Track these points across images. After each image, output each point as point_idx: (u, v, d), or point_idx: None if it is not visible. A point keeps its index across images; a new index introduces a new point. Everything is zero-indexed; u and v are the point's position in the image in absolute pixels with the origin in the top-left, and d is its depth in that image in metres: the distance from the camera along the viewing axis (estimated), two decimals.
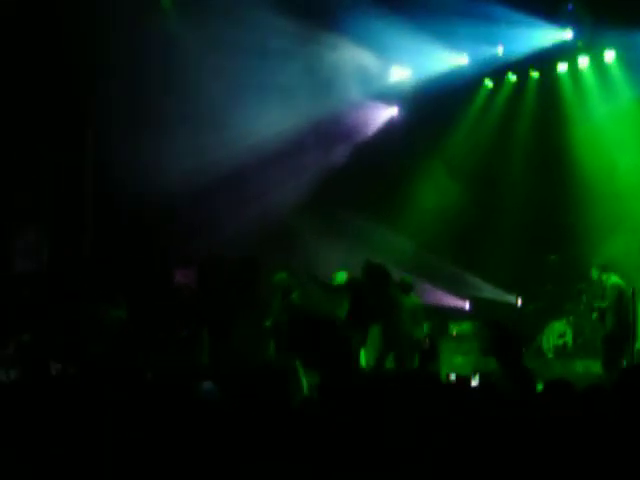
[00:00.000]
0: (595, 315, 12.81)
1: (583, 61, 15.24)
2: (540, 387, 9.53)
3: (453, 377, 10.33)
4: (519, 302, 15.50)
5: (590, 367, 12.99)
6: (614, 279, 12.60)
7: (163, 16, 15.20)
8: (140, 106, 14.91)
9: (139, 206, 14.78)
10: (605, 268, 12.87)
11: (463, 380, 8.09)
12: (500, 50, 15.41)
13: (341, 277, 13.92)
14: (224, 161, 15.08)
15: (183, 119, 15.19)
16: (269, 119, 15.50)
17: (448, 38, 15.15)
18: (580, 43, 14.85)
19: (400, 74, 16.77)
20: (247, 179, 15.74)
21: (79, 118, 15.62)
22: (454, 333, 15.63)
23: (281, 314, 13.56)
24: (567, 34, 14.67)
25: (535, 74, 15.90)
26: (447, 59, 15.92)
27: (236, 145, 15.16)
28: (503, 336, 8.00)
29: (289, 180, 16.08)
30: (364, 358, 12.89)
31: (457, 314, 16.34)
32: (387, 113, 17.53)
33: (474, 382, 8.76)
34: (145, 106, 14.88)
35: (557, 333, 14.59)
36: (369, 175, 16.75)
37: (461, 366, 14.71)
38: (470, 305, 16.58)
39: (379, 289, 12.62)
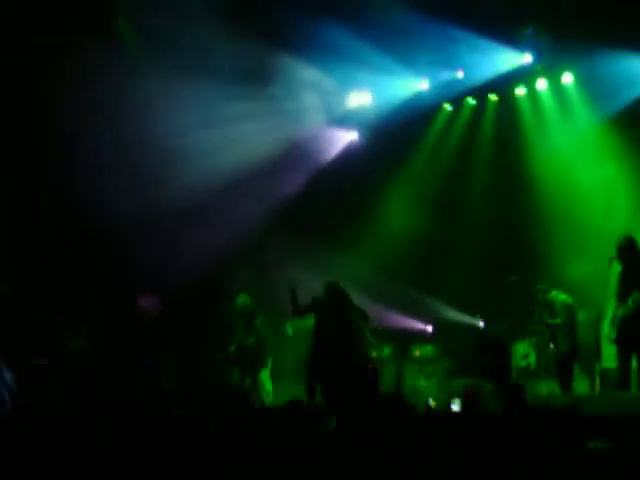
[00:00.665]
0: (549, 334, 12.99)
1: (541, 84, 15.41)
2: None
3: (431, 402, 10.34)
4: (481, 324, 15.52)
5: (554, 388, 13.05)
6: (562, 297, 12.81)
7: (121, 46, 15.12)
8: (101, 135, 14.84)
9: (102, 232, 14.66)
10: (547, 290, 13.04)
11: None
12: (460, 74, 15.53)
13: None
14: (187, 189, 15.03)
15: (143, 147, 15.10)
16: (230, 147, 15.48)
17: (408, 63, 15.24)
18: (539, 67, 15.02)
19: (360, 99, 16.82)
20: (210, 207, 15.68)
21: (35, 150, 15.41)
22: (417, 356, 15.63)
23: (245, 339, 13.55)
24: (526, 58, 14.82)
25: (494, 97, 16.04)
26: (407, 84, 16.00)
27: (199, 173, 15.11)
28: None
29: (252, 207, 16.04)
30: None
31: (419, 337, 16.38)
32: (347, 138, 17.58)
33: (455, 407, 8.75)
34: (105, 134, 14.82)
35: (520, 355, 14.64)
36: (330, 200, 16.78)
37: (424, 389, 14.75)
38: (432, 328, 16.61)
39: (341, 310, 12.57)
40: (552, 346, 12.98)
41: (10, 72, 14.50)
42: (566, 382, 12.48)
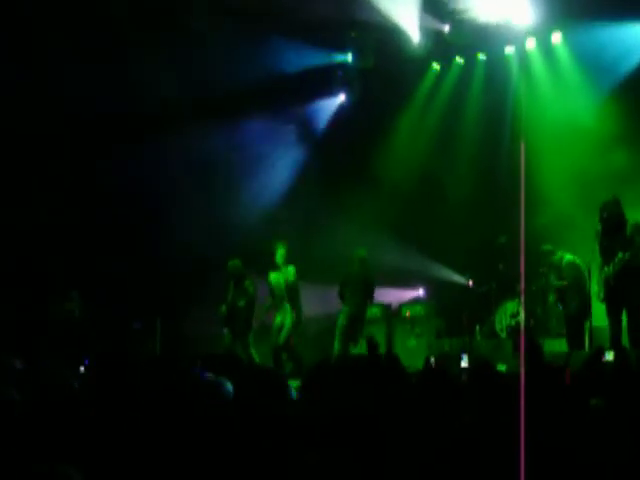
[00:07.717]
0: (553, 296, 12.95)
1: (530, 43, 15.36)
2: (502, 367, 9.60)
3: (432, 361, 10.36)
4: (471, 284, 15.54)
5: (552, 346, 13.05)
6: (568, 257, 12.75)
7: None
8: None
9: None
10: (553, 251, 12.99)
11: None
12: (447, 32, 15.42)
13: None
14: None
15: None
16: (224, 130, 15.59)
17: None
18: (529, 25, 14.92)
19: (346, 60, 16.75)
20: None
21: None
22: (407, 316, 15.65)
23: (236, 300, 13.65)
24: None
25: (482, 56, 15.98)
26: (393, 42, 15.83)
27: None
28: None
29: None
30: None
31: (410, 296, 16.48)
32: (335, 102, 17.53)
33: (463, 363, 8.77)
34: None
35: (509, 313, 14.71)
36: (320, 166, 16.85)
37: (414, 349, 14.81)
38: (423, 288, 16.67)
39: None
40: (560, 307, 12.92)
41: None
42: (578, 342, 12.32)
